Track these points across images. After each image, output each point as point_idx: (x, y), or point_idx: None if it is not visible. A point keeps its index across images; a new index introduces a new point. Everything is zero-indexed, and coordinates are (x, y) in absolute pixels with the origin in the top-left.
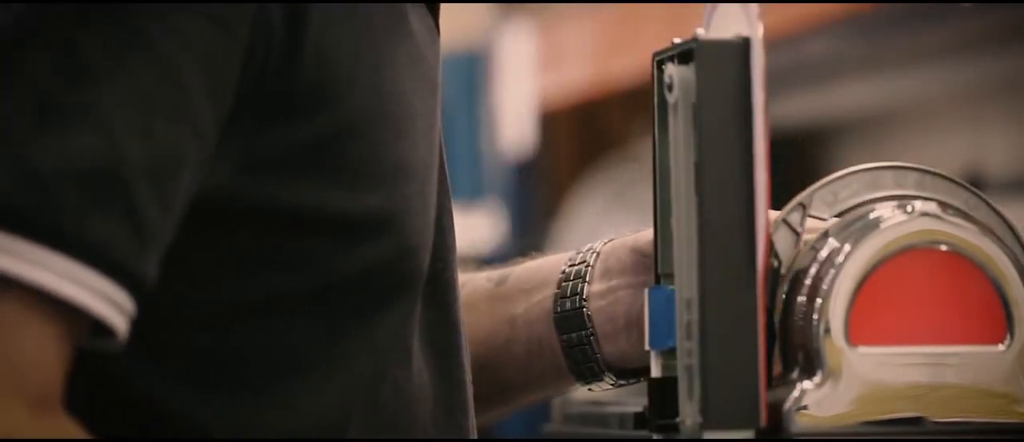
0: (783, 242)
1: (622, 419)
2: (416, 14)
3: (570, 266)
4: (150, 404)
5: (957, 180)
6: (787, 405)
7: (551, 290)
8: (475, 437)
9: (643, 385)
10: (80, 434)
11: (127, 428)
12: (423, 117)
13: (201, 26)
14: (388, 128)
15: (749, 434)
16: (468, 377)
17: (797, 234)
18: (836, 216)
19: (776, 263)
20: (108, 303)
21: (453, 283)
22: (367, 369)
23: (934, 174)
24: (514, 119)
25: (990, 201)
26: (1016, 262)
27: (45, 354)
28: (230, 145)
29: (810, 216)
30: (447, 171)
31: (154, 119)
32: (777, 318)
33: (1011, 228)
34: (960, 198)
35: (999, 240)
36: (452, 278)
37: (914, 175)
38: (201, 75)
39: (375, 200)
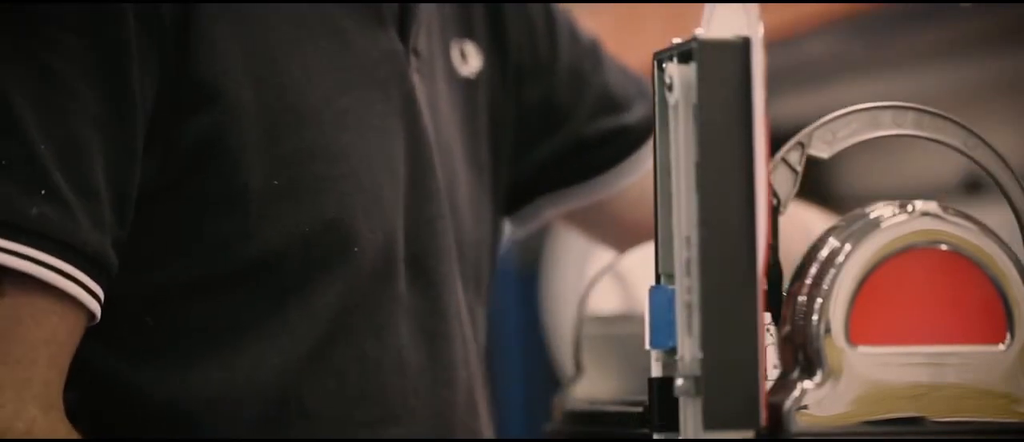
0: (782, 181)
1: (622, 419)
2: (344, 10)
3: None
4: (106, 381)
5: (955, 119)
6: (787, 405)
7: None
8: (459, 409)
9: (643, 385)
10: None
11: (90, 405)
12: (346, 108)
13: (86, 46)
14: (289, 116)
15: (749, 434)
16: (460, 357)
17: (796, 173)
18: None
19: (776, 201)
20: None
21: (449, 278)
22: (308, 336)
23: (932, 114)
24: None
25: (987, 140)
26: (1016, 262)
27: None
28: (152, 139)
29: (809, 155)
30: (455, 181)
31: (57, 125)
32: (777, 318)
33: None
34: (958, 137)
35: (999, 239)
36: (448, 273)
37: (912, 114)
38: (93, 83)
39: (283, 179)
